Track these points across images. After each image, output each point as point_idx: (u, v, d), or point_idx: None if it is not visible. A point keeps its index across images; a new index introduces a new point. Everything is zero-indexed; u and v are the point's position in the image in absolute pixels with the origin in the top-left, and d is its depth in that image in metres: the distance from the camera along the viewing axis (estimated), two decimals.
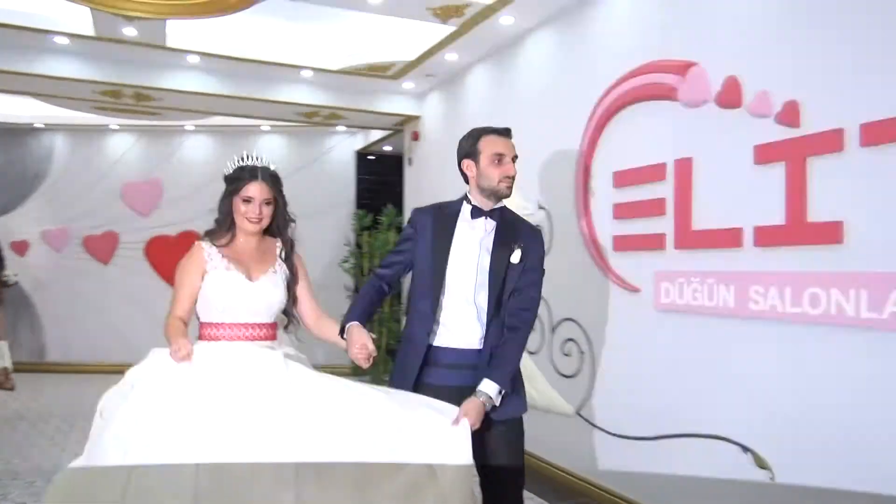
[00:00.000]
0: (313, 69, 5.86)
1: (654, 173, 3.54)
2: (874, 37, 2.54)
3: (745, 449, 2.97)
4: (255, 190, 2.31)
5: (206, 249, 2.33)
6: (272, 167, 2.42)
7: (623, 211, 3.76)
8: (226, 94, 6.04)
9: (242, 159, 2.37)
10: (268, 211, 2.35)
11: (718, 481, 3.11)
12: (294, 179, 8.18)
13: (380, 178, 8.38)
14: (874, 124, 2.50)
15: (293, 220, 2.49)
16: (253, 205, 2.31)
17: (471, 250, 2.26)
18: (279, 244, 2.46)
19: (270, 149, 8.13)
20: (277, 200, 2.38)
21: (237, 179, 2.32)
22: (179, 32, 5.24)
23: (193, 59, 5.67)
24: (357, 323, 2.22)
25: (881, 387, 2.48)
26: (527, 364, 4.62)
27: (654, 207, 3.53)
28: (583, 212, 4.12)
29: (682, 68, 3.37)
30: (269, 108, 6.54)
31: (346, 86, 6.31)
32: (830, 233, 2.64)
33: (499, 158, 2.27)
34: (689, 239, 3.32)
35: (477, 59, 5.42)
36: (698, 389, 3.25)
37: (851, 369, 2.58)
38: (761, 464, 2.90)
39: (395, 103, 6.56)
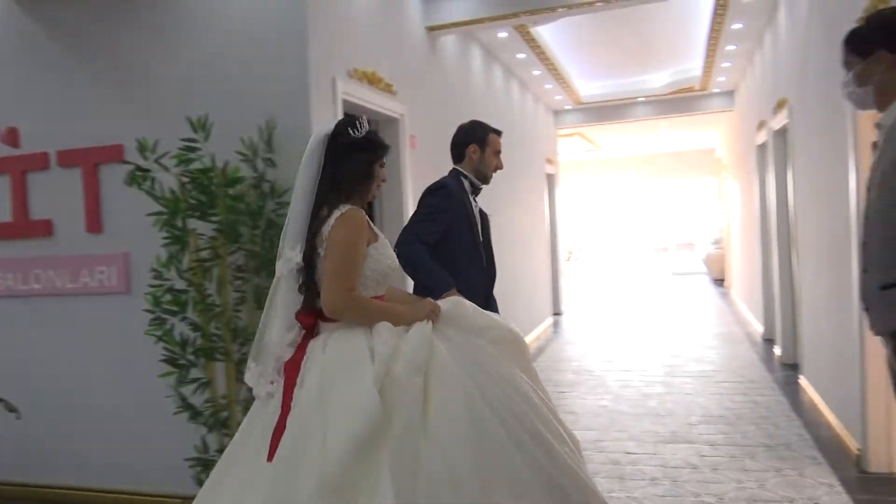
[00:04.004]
0: None
1: None
2: (105, 85, 3.60)
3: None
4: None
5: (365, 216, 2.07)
6: None
7: None
8: None
9: (361, 125, 2.10)
10: None
11: None
12: None
13: None
14: (66, 151, 3.58)
15: None
16: (385, 169, 2.22)
17: (477, 221, 2.80)
18: None
19: None
20: None
21: (381, 145, 2.14)
22: None
23: None
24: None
25: (78, 331, 3.59)
26: None
27: None
28: None
29: None
30: None
31: None
32: (44, 227, 3.63)
33: (498, 154, 2.88)
34: None
35: None
36: None
37: (54, 325, 3.63)
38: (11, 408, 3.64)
39: None
